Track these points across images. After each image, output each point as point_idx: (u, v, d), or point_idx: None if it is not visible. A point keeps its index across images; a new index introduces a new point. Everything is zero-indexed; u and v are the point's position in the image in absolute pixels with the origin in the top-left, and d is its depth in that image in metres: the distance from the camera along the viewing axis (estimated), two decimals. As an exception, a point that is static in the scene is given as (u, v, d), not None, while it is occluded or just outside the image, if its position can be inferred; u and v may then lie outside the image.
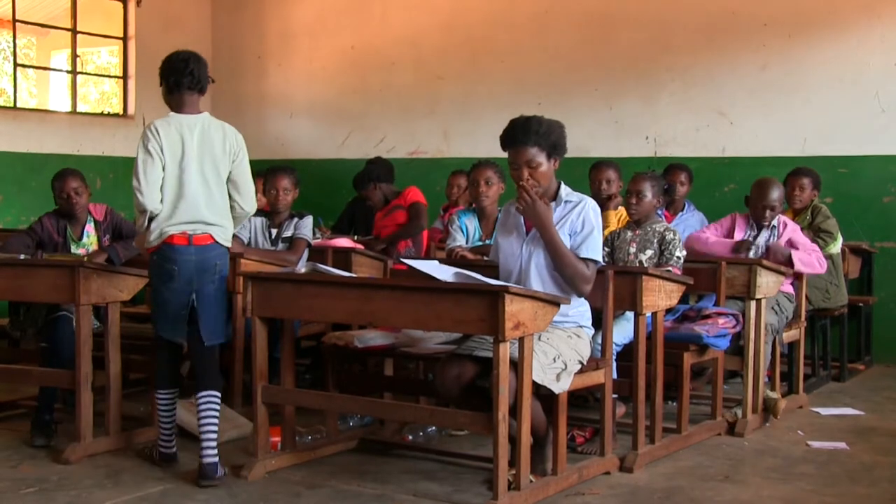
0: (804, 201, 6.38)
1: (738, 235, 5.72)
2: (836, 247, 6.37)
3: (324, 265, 4.57)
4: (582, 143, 7.38)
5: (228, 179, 4.40)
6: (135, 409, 5.26)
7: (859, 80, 7.19)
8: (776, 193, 5.62)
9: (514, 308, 3.68)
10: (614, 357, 4.50)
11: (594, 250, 4.15)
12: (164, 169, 4.24)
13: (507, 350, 3.71)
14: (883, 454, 4.83)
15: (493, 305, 3.67)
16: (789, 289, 5.62)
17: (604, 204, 5.76)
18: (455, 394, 4.01)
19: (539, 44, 8.32)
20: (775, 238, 5.65)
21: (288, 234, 5.63)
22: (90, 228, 5.30)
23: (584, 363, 4.19)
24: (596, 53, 8.12)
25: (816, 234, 6.23)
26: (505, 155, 4.23)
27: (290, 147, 9.54)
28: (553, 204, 4.20)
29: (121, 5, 9.37)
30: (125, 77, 9.40)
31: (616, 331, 4.51)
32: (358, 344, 4.55)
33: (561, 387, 4.01)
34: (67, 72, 9.55)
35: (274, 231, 5.68)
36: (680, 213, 6.78)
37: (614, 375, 4.48)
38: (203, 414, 4.26)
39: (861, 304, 7.02)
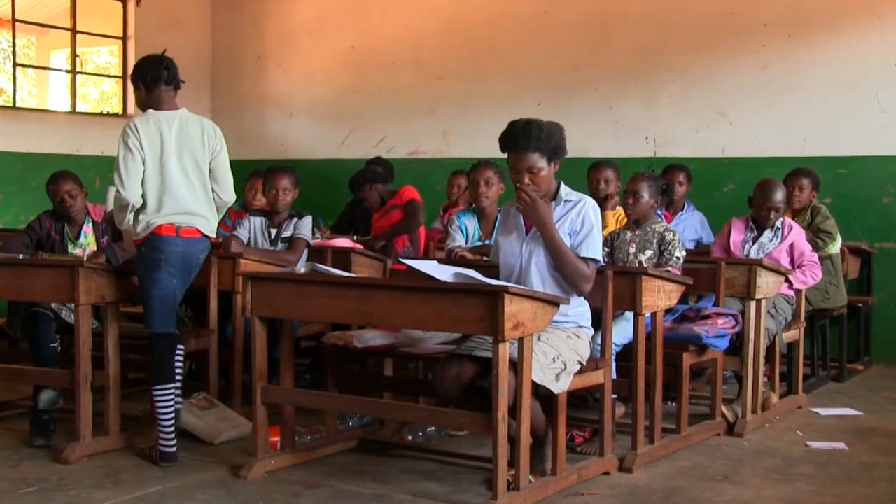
0: (803, 201, 6.38)
1: (736, 238, 5.72)
2: (836, 247, 6.37)
3: (323, 265, 4.57)
4: (581, 143, 7.38)
5: (209, 172, 4.55)
6: (134, 408, 5.27)
7: (859, 81, 7.20)
8: (780, 195, 5.63)
9: (514, 308, 3.68)
10: (614, 357, 4.50)
11: (594, 249, 4.15)
12: (144, 163, 4.40)
13: (506, 350, 3.71)
14: (882, 454, 4.83)
15: (492, 305, 3.67)
16: (787, 290, 5.61)
17: (601, 204, 5.76)
18: (454, 394, 4.01)
19: (539, 44, 8.32)
20: (779, 239, 5.65)
21: (287, 234, 5.63)
22: (88, 229, 5.30)
23: (584, 363, 4.19)
24: (596, 54, 8.12)
25: (816, 234, 6.24)
26: (505, 155, 4.23)
27: (289, 147, 9.54)
28: (553, 203, 4.21)
29: (120, 5, 9.37)
30: (124, 77, 9.39)
31: (615, 331, 4.51)
32: (357, 344, 4.54)
33: (560, 387, 4.01)
34: (67, 71, 9.56)
35: (273, 231, 5.68)
36: (679, 213, 6.78)
37: (614, 376, 4.48)
38: (158, 405, 4.44)
39: (860, 305, 7.02)
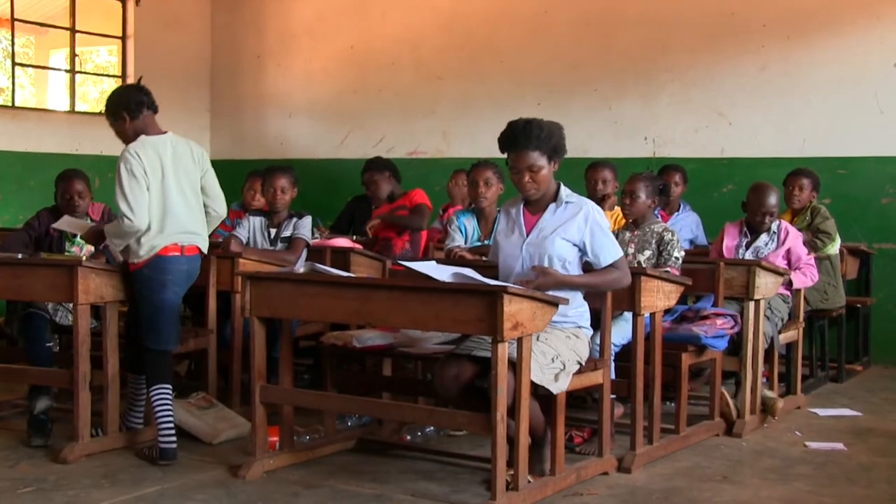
0: (803, 202, 6.38)
1: (729, 243, 5.71)
2: (835, 248, 6.37)
3: (322, 265, 4.57)
4: (581, 143, 7.38)
5: (201, 189, 4.70)
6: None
7: (858, 82, 7.19)
8: (773, 199, 5.62)
9: (513, 308, 3.68)
10: (613, 357, 4.50)
11: (613, 251, 4.20)
12: (148, 189, 4.47)
13: (505, 350, 3.71)
14: (881, 455, 4.83)
15: (491, 305, 3.67)
16: (784, 290, 5.60)
17: (599, 204, 5.75)
18: (453, 394, 4.01)
19: (538, 44, 8.32)
20: (775, 243, 5.63)
21: (287, 233, 5.63)
22: (87, 227, 5.30)
23: (583, 363, 4.19)
24: (595, 54, 8.12)
25: (815, 234, 6.24)
26: (504, 155, 4.23)
27: (288, 147, 9.53)
28: (553, 205, 4.22)
29: (120, 4, 9.36)
30: (124, 76, 9.38)
31: (614, 331, 4.51)
32: (356, 344, 4.54)
33: (559, 387, 4.01)
34: (66, 71, 9.55)
35: (273, 231, 5.68)
36: (676, 214, 6.78)
37: (613, 376, 4.48)
38: (156, 404, 4.51)
39: (859, 305, 7.02)
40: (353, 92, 9.25)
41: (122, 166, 4.45)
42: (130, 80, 9.28)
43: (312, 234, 5.85)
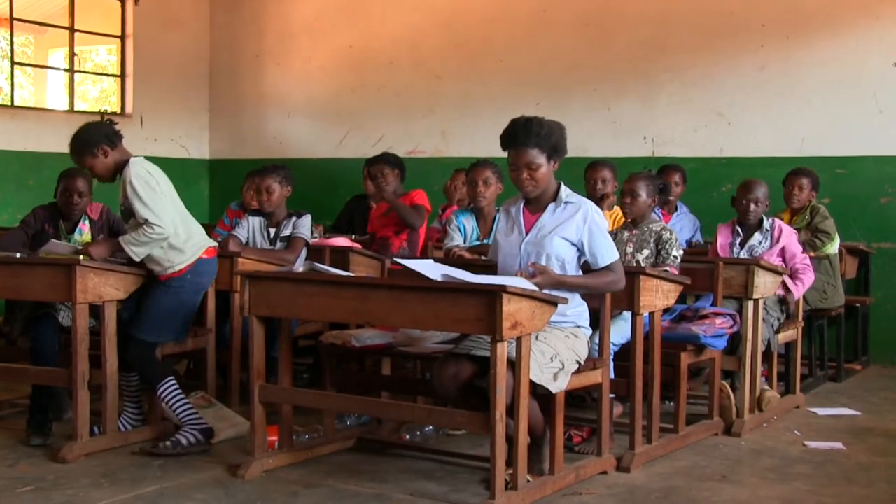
0: (802, 201, 6.38)
1: (722, 241, 5.70)
2: (834, 247, 6.38)
3: (321, 264, 4.57)
4: (580, 143, 7.37)
5: None
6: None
7: (857, 81, 7.20)
8: (761, 191, 5.62)
9: (512, 308, 3.68)
10: (612, 357, 4.50)
11: (609, 253, 4.20)
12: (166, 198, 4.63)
13: (504, 349, 3.71)
14: (880, 454, 4.84)
15: (490, 305, 3.67)
16: (779, 290, 5.59)
17: (598, 204, 5.75)
18: (452, 393, 4.01)
19: (537, 44, 8.32)
20: (769, 242, 5.63)
21: (286, 233, 5.62)
22: (84, 226, 5.30)
23: (582, 363, 4.19)
24: (594, 53, 8.12)
25: (814, 234, 6.24)
26: (503, 155, 4.23)
27: (287, 146, 9.53)
28: (553, 205, 4.22)
29: (119, 4, 9.35)
30: (123, 76, 9.38)
31: (613, 331, 4.51)
32: (355, 343, 4.54)
33: (558, 386, 4.01)
34: (65, 70, 9.54)
35: (272, 230, 5.68)
36: (675, 213, 6.79)
37: (612, 375, 4.48)
38: (168, 400, 4.66)
39: (858, 305, 7.03)
40: (352, 91, 9.25)
41: (135, 182, 4.54)
42: (129, 80, 9.31)
43: (311, 232, 5.84)
